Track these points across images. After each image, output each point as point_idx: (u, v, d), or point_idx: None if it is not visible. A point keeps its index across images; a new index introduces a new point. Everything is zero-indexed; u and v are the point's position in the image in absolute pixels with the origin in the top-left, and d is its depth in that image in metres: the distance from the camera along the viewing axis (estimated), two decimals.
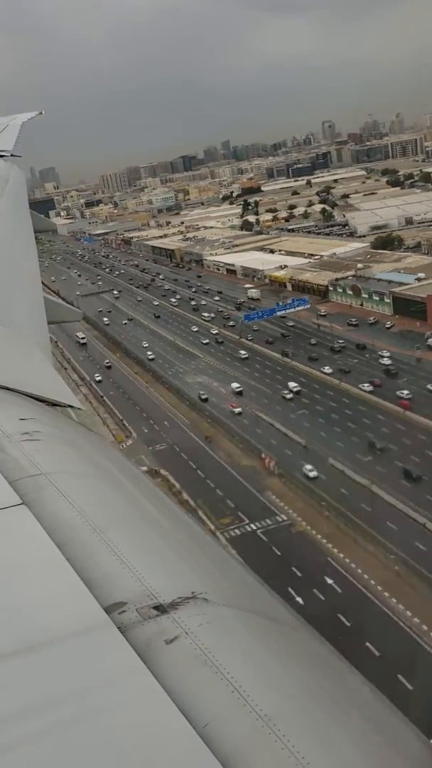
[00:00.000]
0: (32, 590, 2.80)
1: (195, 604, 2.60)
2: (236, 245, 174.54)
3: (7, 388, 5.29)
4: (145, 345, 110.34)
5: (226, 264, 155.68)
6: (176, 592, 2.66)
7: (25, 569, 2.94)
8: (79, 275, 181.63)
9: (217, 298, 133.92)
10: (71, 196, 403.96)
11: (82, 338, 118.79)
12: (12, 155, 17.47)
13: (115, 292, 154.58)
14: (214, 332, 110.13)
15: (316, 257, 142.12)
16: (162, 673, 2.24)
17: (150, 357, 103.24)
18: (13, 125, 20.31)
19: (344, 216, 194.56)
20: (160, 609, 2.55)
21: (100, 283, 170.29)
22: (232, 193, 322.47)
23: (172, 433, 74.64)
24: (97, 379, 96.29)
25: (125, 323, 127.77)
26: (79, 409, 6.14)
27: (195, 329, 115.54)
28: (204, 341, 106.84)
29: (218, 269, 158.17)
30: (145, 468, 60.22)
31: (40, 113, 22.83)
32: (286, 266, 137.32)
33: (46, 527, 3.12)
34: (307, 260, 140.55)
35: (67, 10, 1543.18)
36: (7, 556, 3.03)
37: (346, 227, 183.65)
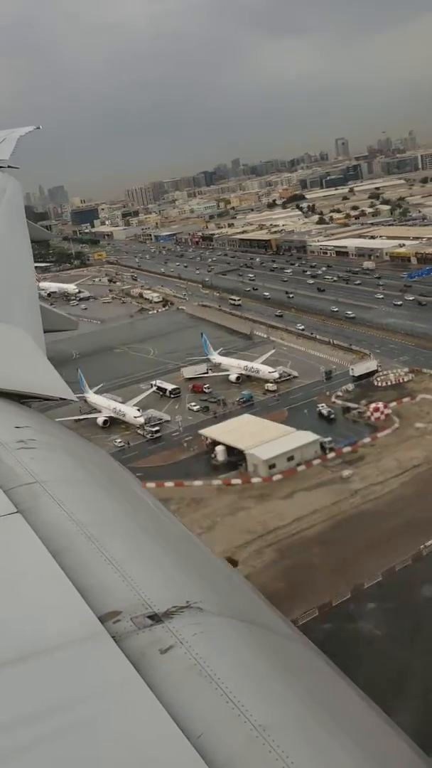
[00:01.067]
0: (27, 600, 2.81)
1: (190, 613, 2.60)
2: (332, 234, 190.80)
3: (3, 393, 5.50)
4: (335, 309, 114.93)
5: (336, 247, 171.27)
6: (171, 601, 2.67)
7: (19, 579, 2.95)
8: (185, 266, 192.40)
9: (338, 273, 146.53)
10: (102, 209, 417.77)
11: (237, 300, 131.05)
12: (9, 167, 17.89)
13: (251, 273, 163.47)
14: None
15: (423, 239, 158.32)
16: (156, 683, 2.25)
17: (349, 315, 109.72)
18: (10, 138, 20.53)
19: (419, 211, 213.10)
20: (155, 618, 2.57)
21: (212, 267, 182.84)
22: (274, 201, 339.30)
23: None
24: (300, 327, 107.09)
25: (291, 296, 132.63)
26: (73, 401, 6.50)
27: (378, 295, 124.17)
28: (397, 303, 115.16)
29: (326, 252, 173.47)
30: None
31: (38, 128, 23.07)
32: (404, 245, 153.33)
33: (41, 536, 3.15)
34: (416, 242, 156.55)
35: (71, 33, 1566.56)
36: (1, 565, 3.05)
37: (425, 219, 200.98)
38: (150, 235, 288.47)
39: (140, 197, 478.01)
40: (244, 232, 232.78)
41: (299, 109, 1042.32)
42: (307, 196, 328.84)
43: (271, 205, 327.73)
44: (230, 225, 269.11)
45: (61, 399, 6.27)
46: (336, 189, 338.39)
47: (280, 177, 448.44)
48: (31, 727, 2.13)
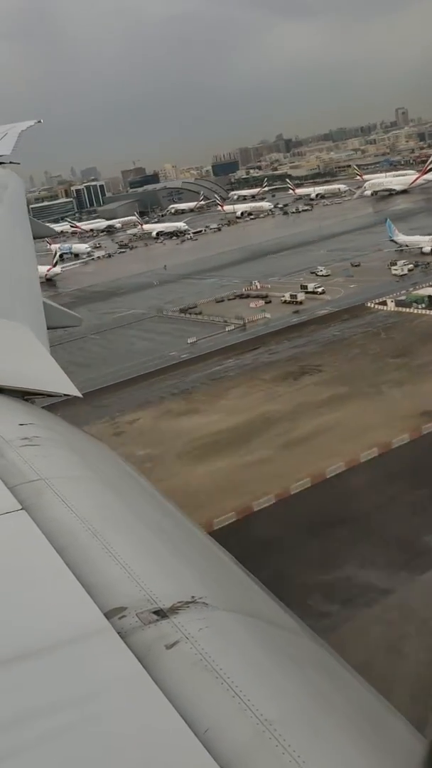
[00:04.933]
0: (32, 596, 2.81)
1: (195, 608, 2.60)
2: None
3: (7, 389, 5.40)
4: None
5: None
6: (176, 596, 2.67)
7: (25, 576, 2.96)
8: None
9: None
10: (190, 175, 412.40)
11: None
12: (11, 162, 17.67)
13: None
14: None
15: None
16: (162, 678, 2.25)
17: None
18: (12, 133, 20.19)
19: None
20: (160, 614, 2.57)
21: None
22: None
23: None
24: None
25: None
26: (78, 397, 6.10)
27: None
28: None
29: None
30: None
31: (39, 121, 22.73)
32: None
33: (46, 532, 3.14)
34: None
35: (84, 16, 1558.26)
36: (6, 561, 3.05)
37: None
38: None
39: (227, 159, 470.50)
40: None
41: (317, 85, 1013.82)
42: None
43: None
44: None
45: (65, 395, 6.06)
46: None
47: (383, 136, 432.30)
48: (38, 722, 2.13)
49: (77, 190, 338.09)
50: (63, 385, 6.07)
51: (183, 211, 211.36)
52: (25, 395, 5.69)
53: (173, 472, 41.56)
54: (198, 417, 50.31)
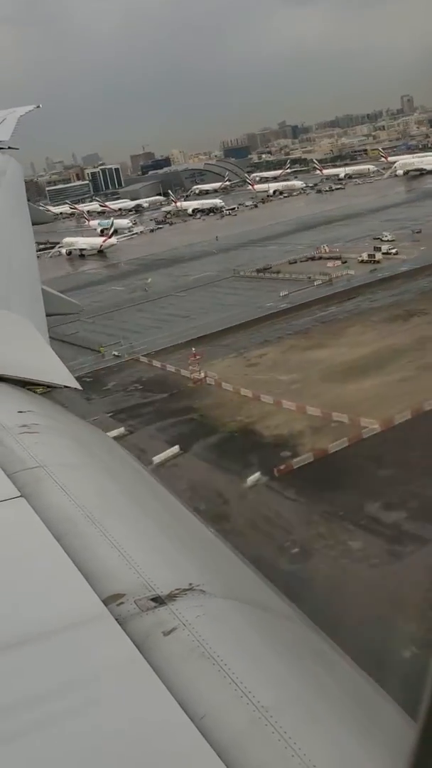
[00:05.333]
0: (31, 583, 2.83)
1: (192, 595, 2.62)
2: None
3: (6, 378, 5.48)
4: None
5: None
6: (174, 583, 2.68)
7: (23, 562, 2.97)
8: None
9: None
10: (199, 160, 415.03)
11: None
12: (10, 147, 17.40)
13: None
14: None
15: None
16: (160, 664, 2.27)
17: None
18: (11, 118, 19.88)
19: None
20: (158, 601, 2.58)
21: None
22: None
23: None
24: None
25: None
26: (77, 389, 6.14)
27: None
28: None
29: None
30: None
31: (38, 106, 22.49)
32: None
33: (45, 519, 3.15)
34: None
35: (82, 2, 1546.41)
36: (5, 548, 3.06)
37: None
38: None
39: (236, 145, 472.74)
40: None
41: (315, 73, 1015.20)
42: None
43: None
44: None
45: (65, 387, 6.12)
46: None
47: (392, 122, 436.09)
48: (35, 708, 2.14)
49: (92, 173, 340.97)
50: (63, 376, 6.16)
51: (207, 192, 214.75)
52: (25, 385, 5.76)
53: (324, 390, 45.97)
54: (325, 350, 54.63)
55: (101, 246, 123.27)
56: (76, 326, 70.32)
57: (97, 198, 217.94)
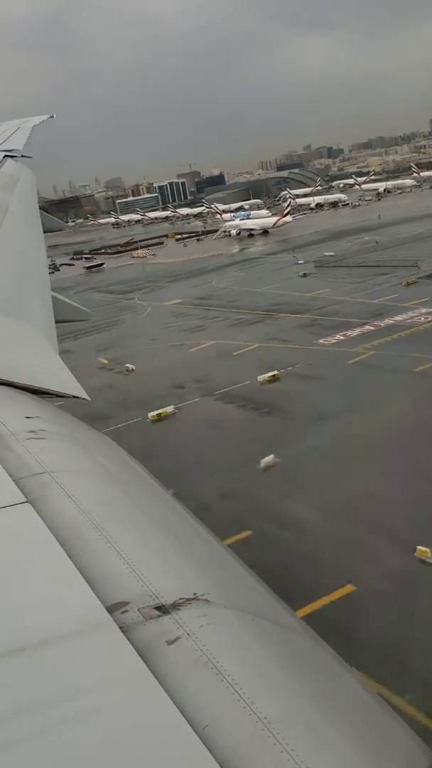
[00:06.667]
0: (35, 589, 2.81)
1: (197, 605, 2.62)
2: None
3: (13, 385, 5.48)
4: None
5: None
6: (178, 592, 2.69)
7: (28, 568, 2.96)
8: None
9: None
10: (243, 178, 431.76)
11: None
12: (23, 156, 17.56)
13: None
14: None
15: None
16: (163, 674, 2.25)
17: None
18: (24, 128, 20.26)
19: None
20: (162, 610, 2.58)
21: None
22: None
23: None
24: None
25: None
26: (85, 399, 6.10)
27: None
28: None
29: None
30: None
31: (52, 116, 22.79)
32: None
33: (50, 526, 3.15)
34: None
35: (106, 29, 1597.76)
36: (10, 554, 3.06)
37: None
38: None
39: (275, 167, 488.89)
40: None
41: (327, 101, 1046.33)
42: None
43: None
44: None
45: (74, 397, 6.18)
46: None
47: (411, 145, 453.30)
48: (37, 716, 2.13)
49: (160, 187, 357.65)
50: (71, 386, 6.24)
51: (298, 196, 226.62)
52: (33, 393, 5.82)
53: None
54: None
55: (275, 224, 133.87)
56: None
57: (204, 202, 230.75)
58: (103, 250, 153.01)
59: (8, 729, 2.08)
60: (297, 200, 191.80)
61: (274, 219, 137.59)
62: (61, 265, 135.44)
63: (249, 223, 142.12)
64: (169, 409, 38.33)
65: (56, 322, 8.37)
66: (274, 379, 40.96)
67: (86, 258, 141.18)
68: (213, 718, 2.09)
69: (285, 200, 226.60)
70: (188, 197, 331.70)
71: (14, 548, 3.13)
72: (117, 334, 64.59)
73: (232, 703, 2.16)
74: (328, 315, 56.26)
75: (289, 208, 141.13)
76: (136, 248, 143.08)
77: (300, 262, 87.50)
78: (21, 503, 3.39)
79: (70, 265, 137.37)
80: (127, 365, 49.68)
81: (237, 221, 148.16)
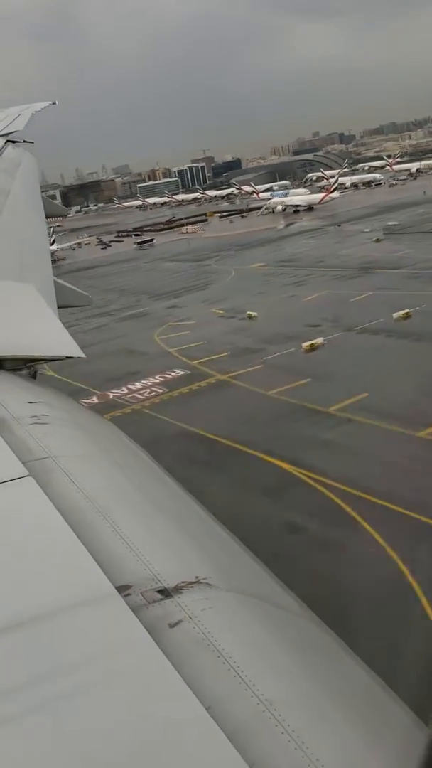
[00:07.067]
0: (41, 561, 2.85)
1: (199, 588, 2.64)
2: None
3: (9, 358, 5.53)
4: None
5: None
6: (180, 576, 2.71)
7: (33, 540, 3.01)
8: None
9: None
10: (257, 163, 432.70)
11: None
12: (25, 141, 17.70)
13: None
14: None
15: None
16: (165, 656, 2.27)
17: None
18: (25, 113, 20.46)
19: None
20: (164, 593, 2.59)
21: None
22: None
23: None
24: None
25: None
26: (81, 357, 6.11)
27: None
28: None
29: None
30: None
31: (53, 103, 23.10)
32: None
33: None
34: None
35: (107, 19, 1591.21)
36: (15, 528, 3.12)
37: None
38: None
39: (287, 152, 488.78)
40: None
41: (330, 87, 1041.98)
42: None
43: None
44: None
45: (68, 357, 6.14)
46: None
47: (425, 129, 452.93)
48: (44, 687, 2.17)
49: (179, 171, 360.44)
50: (67, 347, 6.14)
51: (324, 178, 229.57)
52: (27, 362, 5.84)
53: None
54: None
55: (322, 200, 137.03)
56: None
57: (235, 183, 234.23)
58: (148, 228, 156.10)
59: (18, 700, 2.11)
60: (329, 180, 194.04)
61: (319, 195, 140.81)
62: (110, 242, 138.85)
63: (295, 199, 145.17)
64: (319, 340, 41.91)
65: (58, 307, 8.27)
66: (407, 316, 44.49)
67: (136, 235, 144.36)
68: (215, 700, 2.10)
69: (311, 182, 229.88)
70: (207, 181, 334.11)
71: (18, 522, 3.17)
72: (216, 291, 67.77)
73: (233, 685, 2.18)
74: (426, 269, 59.70)
75: (336, 185, 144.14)
76: (181, 225, 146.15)
77: (366, 230, 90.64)
78: (24, 476, 3.44)
79: (119, 241, 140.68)
80: (249, 312, 53.10)
81: (281, 198, 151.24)
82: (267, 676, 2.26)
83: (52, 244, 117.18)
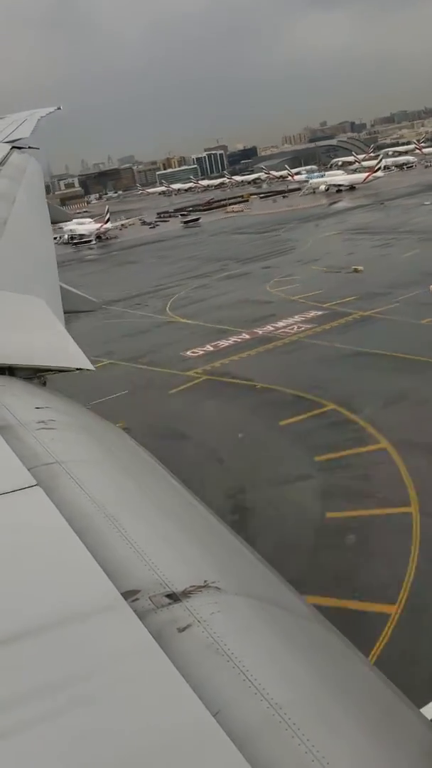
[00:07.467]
0: (47, 570, 2.83)
1: (207, 592, 2.61)
2: None
3: (19, 368, 5.57)
4: None
5: None
6: (189, 580, 2.68)
7: (40, 549, 2.99)
8: None
9: None
10: (270, 151, 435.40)
11: None
12: (30, 147, 17.67)
13: None
14: None
15: None
16: (174, 660, 2.26)
17: None
18: (31, 119, 20.40)
19: None
20: (173, 597, 2.57)
21: None
22: None
23: None
24: None
25: None
26: (91, 370, 6.09)
27: None
28: None
29: None
30: None
31: (59, 108, 23.00)
32: None
33: (61, 514, 3.17)
34: None
35: (111, 4, 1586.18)
36: (22, 536, 3.10)
37: None
38: None
39: (298, 141, 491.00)
40: None
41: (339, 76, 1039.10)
42: None
43: None
44: None
45: (78, 369, 6.12)
46: None
47: None
48: (52, 696, 2.15)
49: (198, 158, 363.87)
50: (77, 358, 6.20)
51: (351, 163, 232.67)
52: (37, 372, 5.90)
53: None
54: None
55: (365, 179, 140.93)
56: None
57: (263, 167, 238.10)
58: (190, 208, 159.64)
59: (26, 709, 2.10)
60: (361, 164, 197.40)
61: (361, 176, 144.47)
62: (156, 222, 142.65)
63: (338, 179, 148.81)
64: None
65: (64, 312, 8.23)
66: None
67: (182, 215, 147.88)
68: (224, 704, 2.09)
69: (336, 166, 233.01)
70: (224, 168, 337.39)
71: (26, 530, 3.16)
72: (304, 254, 71.17)
73: (243, 689, 2.16)
74: None
75: (381, 164, 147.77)
76: (222, 206, 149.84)
77: (426, 203, 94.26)
78: (32, 486, 3.41)
79: (164, 221, 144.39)
80: (356, 267, 56.90)
81: (320, 179, 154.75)
82: (277, 680, 2.23)
83: (107, 222, 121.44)
